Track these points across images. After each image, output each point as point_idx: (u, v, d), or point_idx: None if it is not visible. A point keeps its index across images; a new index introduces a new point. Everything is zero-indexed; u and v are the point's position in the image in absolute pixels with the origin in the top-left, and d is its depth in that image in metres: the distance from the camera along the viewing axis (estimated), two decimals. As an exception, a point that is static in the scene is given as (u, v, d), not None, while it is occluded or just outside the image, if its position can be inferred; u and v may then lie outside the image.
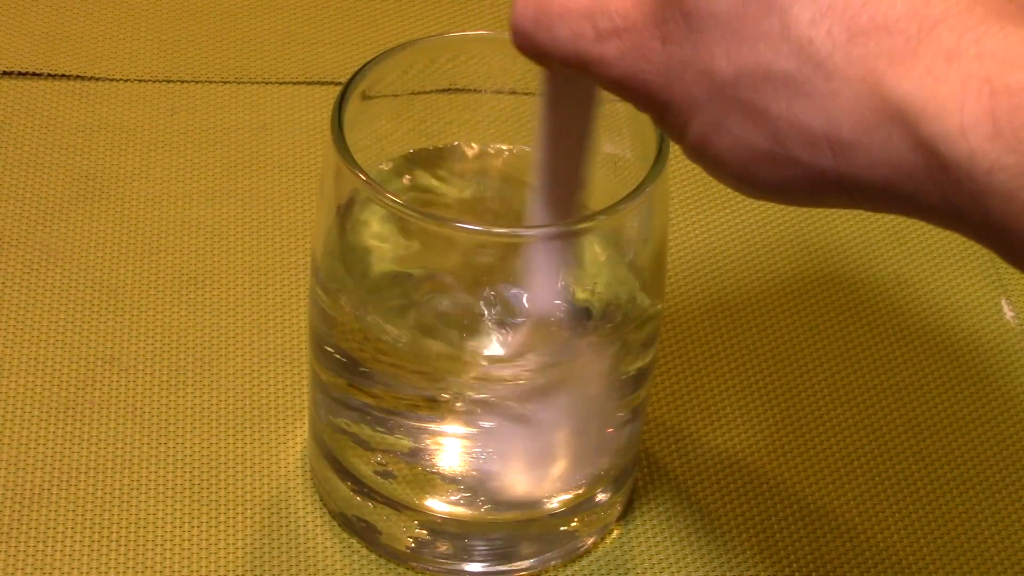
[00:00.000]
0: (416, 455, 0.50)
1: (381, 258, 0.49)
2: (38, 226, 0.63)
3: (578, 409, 0.49)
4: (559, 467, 0.51)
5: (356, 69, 0.48)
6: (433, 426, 0.49)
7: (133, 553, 0.52)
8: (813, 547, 0.54)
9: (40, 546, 0.52)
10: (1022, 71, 0.31)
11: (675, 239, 0.64)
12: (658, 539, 0.54)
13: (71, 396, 0.57)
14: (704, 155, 0.37)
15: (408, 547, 0.52)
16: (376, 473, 0.51)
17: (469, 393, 0.48)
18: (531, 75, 0.43)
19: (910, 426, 0.58)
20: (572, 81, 0.42)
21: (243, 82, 0.70)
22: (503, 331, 0.47)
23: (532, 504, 0.51)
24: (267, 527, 0.53)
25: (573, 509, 0.52)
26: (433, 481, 0.50)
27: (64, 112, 0.68)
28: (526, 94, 0.48)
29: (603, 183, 0.51)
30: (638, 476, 0.55)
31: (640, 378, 0.50)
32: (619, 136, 0.50)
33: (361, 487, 0.51)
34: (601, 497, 0.52)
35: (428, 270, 0.48)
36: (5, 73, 0.69)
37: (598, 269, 0.49)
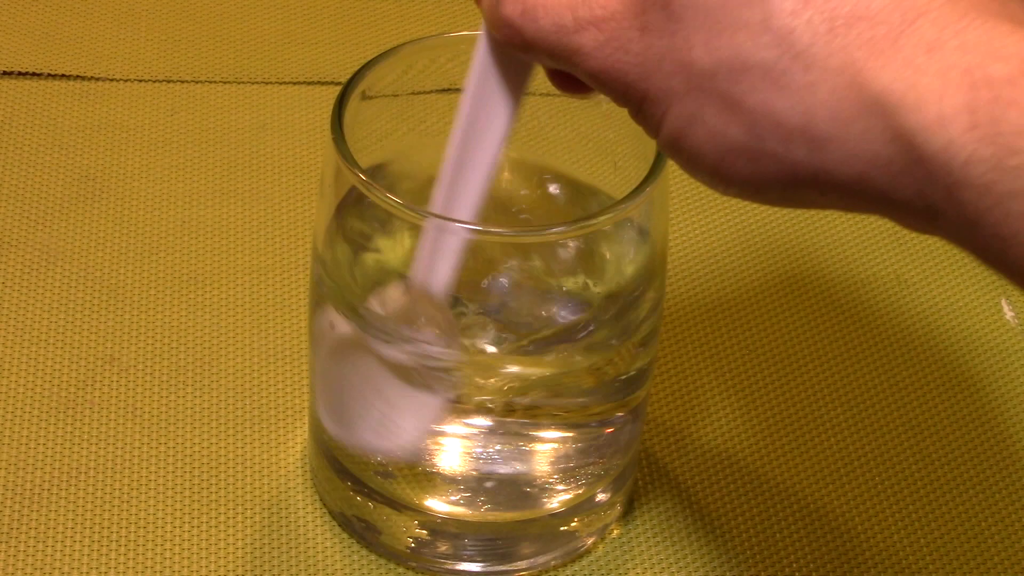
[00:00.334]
0: (416, 455, 0.50)
1: (381, 257, 0.49)
2: (38, 226, 0.63)
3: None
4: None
5: (356, 69, 0.48)
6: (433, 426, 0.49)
7: (133, 553, 0.52)
8: (813, 547, 0.54)
9: (40, 546, 0.52)
10: (1002, 63, 0.31)
11: (675, 239, 0.64)
12: (658, 539, 0.54)
13: (71, 396, 0.57)
14: (679, 149, 0.36)
15: (408, 547, 0.52)
16: (376, 473, 0.51)
17: (471, 392, 0.48)
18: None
19: (910, 426, 0.58)
20: (500, 71, 0.42)
21: (243, 82, 0.70)
22: (500, 328, 0.47)
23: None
24: (267, 527, 0.53)
25: (573, 509, 0.52)
26: (433, 481, 0.50)
27: (64, 112, 0.68)
28: (525, 94, 0.48)
29: (603, 183, 0.51)
30: (638, 476, 0.55)
31: (640, 378, 0.50)
32: (619, 136, 0.50)
33: (361, 487, 0.51)
34: (601, 497, 0.52)
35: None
36: (5, 73, 0.69)
37: (598, 268, 0.49)
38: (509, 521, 0.52)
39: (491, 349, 0.47)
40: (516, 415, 0.49)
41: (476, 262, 0.48)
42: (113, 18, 0.73)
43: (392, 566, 0.52)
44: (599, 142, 0.51)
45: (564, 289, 0.49)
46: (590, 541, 0.53)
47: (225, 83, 0.70)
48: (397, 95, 0.50)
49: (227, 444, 0.55)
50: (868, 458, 0.57)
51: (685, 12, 0.35)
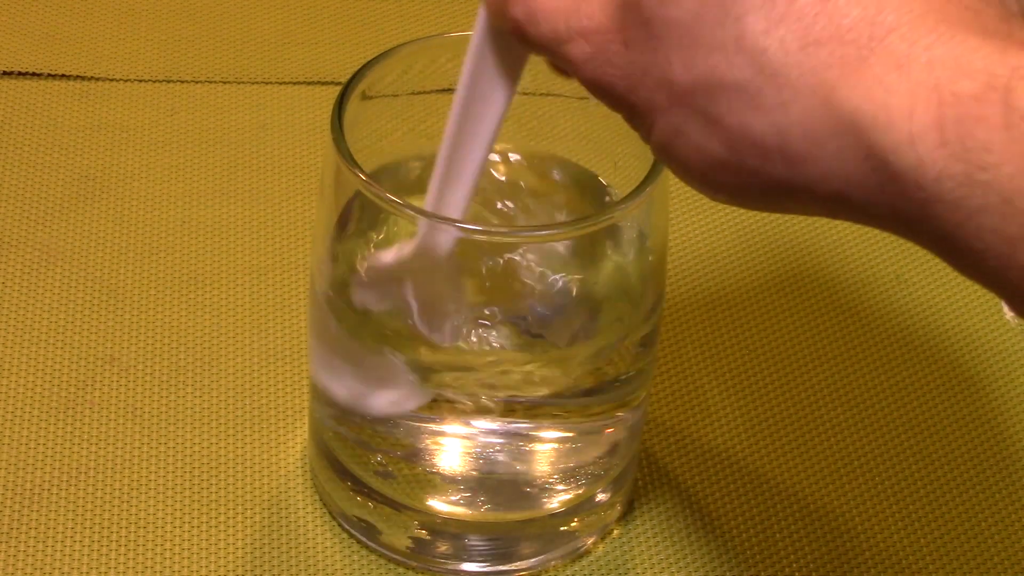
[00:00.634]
0: (416, 455, 0.50)
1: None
2: (38, 226, 0.63)
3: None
4: None
5: (356, 69, 0.48)
6: (432, 426, 0.49)
7: (133, 553, 0.52)
8: (813, 547, 0.54)
9: (40, 546, 0.52)
10: (968, 80, 0.31)
11: (675, 239, 0.64)
12: (658, 539, 0.54)
13: (71, 396, 0.57)
14: (668, 157, 0.37)
15: (408, 547, 0.52)
16: (376, 473, 0.51)
17: (473, 390, 0.48)
18: (530, 76, 0.43)
19: (910, 426, 0.58)
20: (498, 60, 0.42)
21: (243, 82, 0.70)
22: (502, 329, 0.47)
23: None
24: (267, 527, 0.53)
25: (573, 509, 0.52)
26: (433, 481, 0.50)
27: (64, 112, 0.68)
28: (526, 94, 0.48)
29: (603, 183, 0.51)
30: (638, 476, 0.55)
31: (640, 378, 0.50)
32: (619, 136, 0.50)
33: (361, 487, 0.51)
34: (601, 497, 0.52)
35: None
36: (5, 73, 0.69)
37: (598, 268, 0.49)
38: (509, 521, 0.52)
39: (493, 346, 0.47)
40: (516, 415, 0.49)
41: (470, 258, 0.48)
42: (113, 18, 0.73)
43: (392, 566, 0.52)
44: (599, 142, 0.51)
45: (562, 288, 0.49)
46: (590, 541, 0.53)
47: (225, 83, 0.70)
48: (397, 95, 0.50)
49: (227, 444, 0.55)
50: (868, 458, 0.57)
51: (663, 30, 0.35)
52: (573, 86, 0.46)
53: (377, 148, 0.50)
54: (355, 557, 0.52)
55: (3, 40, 0.71)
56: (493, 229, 0.46)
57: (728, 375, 0.59)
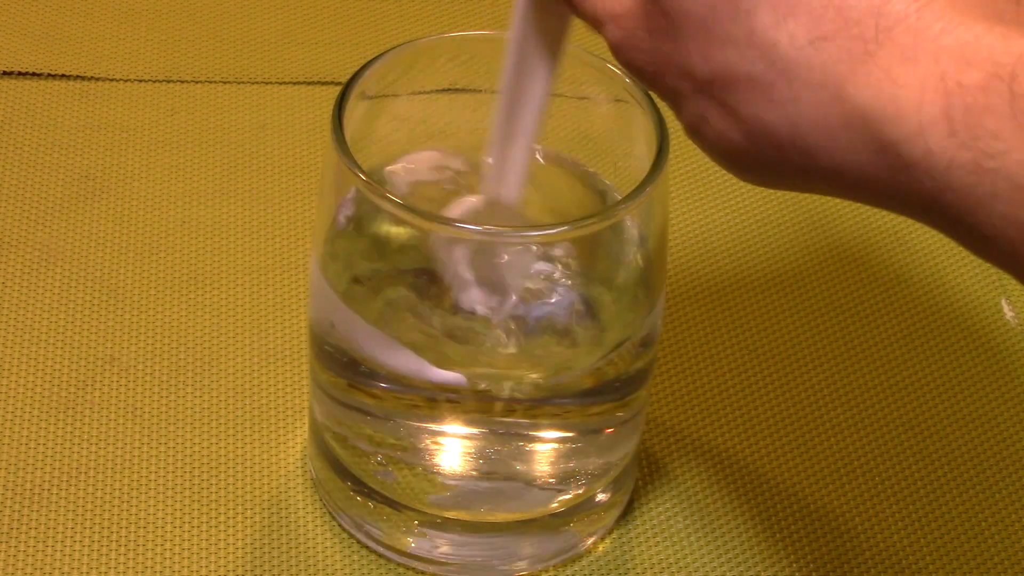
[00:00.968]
0: (416, 455, 0.50)
1: (381, 257, 0.49)
2: (38, 226, 0.63)
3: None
4: None
5: (356, 69, 0.48)
6: (433, 426, 0.49)
7: (133, 553, 0.52)
8: (813, 547, 0.54)
9: (40, 546, 0.52)
10: (975, 69, 0.32)
11: (675, 239, 0.64)
12: (658, 539, 0.54)
13: (71, 396, 0.57)
14: (698, 140, 0.38)
15: (408, 547, 0.52)
16: (376, 473, 0.51)
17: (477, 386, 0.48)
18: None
19: (910, 426, 0.58)
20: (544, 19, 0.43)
21: (243, 82, 0.70)
22: (503, 326, 0.47)
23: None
24: (267, 527, 0.53)
25: (573, 509, 0.52)
26: (433, 481, 0.50)
27: (64, 112, 0.68)
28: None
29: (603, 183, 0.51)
30: (638, 476, 0.55)
31: (640, 378, 0.50)
32: (619, 136, 0.50)
33: (361, 487, 0.51)
34: (601, 497, 0.52)
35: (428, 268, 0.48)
36: (5, 73, 0.69)
37: (598, 268, 0.49)
38: (509, 521, 0.52)
39: (493, 345, 0.47)
40: (516, 415, 0.49)
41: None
42: (113, 18, 0.73)
43: (392, 566, 0.52)
44: (599, 142, 0.51)
45: (561, 288, 0.49)
46: (590, 541, 0.53)
47: (225, 83, 0.70)
48: (397, 95, 0.50)
49: (227, 444, 0.55)
50: (868, 458, 0.57)
51: (682, 22, 0.36)
52: (573, 86, 0.46)
53: (377, 148, 0.50)
54: (355, 557, 0.52)
55: (3, 40, 0.71)
56: (493, 229, 0.46)
57: (728, 375, 0.59)
